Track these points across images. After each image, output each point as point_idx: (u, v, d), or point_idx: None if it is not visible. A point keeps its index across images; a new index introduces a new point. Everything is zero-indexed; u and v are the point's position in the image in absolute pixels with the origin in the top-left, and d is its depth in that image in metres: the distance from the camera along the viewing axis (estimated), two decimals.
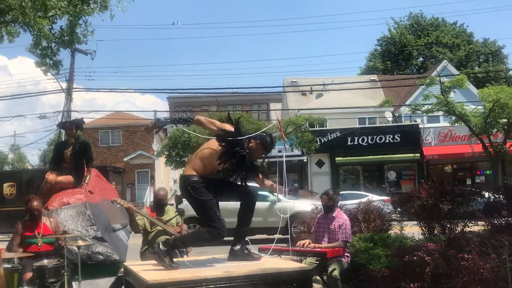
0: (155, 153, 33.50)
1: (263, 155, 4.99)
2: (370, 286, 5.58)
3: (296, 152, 28.87)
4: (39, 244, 6.36)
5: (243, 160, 4.71)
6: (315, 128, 29.04)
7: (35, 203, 6.47)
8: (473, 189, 8.87)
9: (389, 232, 8.31)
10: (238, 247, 4.87)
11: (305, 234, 8.66)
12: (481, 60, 49.88)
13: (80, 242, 6.01)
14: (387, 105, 28.11)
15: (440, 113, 25.93)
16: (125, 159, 36.91)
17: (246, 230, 5.01)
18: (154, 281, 3.95)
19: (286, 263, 5.00)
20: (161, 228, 6.94)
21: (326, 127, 30.70)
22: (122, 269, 6.28)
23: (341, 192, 23.64)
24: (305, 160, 30.04)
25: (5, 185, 22.68)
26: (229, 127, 4.82)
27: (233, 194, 4.97)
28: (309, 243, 6.70)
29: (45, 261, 5.93)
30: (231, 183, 4.92)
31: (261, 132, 5.05)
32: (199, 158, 4.86)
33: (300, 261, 6.60)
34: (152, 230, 7.02)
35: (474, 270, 4.10)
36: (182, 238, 5.20)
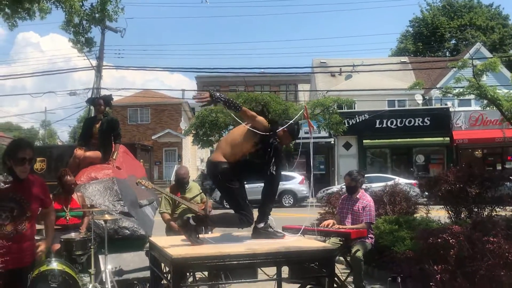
0: (183, 132, 33.74)
1: (287, 142, 5.00)
2: (394, 268, 5.56)
3: (324, 134, 28.75)
4: (67, 217, 6.50)
5: (277, 150, 4.73)
6: (343, 110, 28.84)
7: (69, 177, 6.62)
8: (502, 174, 8.70)
9: (414, 215, 8.25)
10: (261, 225, 4.89)
11: (329, 215, 8.65)
12: None
13: (107, 217, 6.12)
14: (417, 87, 27.62)
15: (472, 96, 25.35)
16: (153, 137, 37.25)
17: (269, 209, 5.02)
18: (178, 256, 3.99)
19: (309, 242, 5.00)
20: (185, 207, 7.02)
21: (354, 109, 30.44)
22: (147, 244, 6.38)
23: (368, 175, 23.62)
24: (332, 142, 29.89)
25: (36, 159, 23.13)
26: (265, 121, 4.82)
27: (258, 175, 4.97)
28: (333, 224, 6.69)
29: (73, 234, 6.07)
30: (256, 164, 4.92)
31: (289, 121, 5.02)
32: (230, 144, 4.86)
33: (324, 241, 6.61)
34: (177, 208, 7.10)
35: (499, 254, 4.05)
36: (213, 217, 5.23)
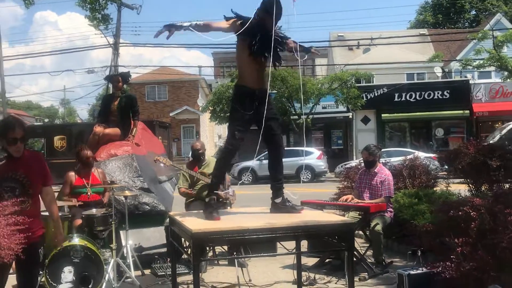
0: (200, 108, 33.80)
1: (273, 20, 4.54)
2: (414, 241, 5.54)
3: (341, 108, 28.59)
4: (88, 193, 6.57)
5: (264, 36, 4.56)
6: (362, 84, 28.60)
7: (88, 152, 6.67)
8: None
9: (434, 189, 8.18)
10: (279, 200, 4.87)
11: (348, 190, 8.63)
12: None
13: (127, 193, 6.18)
14: (436, 60, 27.36)
15: (492, 68, 25.08)
16: (171, 114, 37.38)
17: (280, 183, 4.94)
18: (198, 230, 4.01)
19: (328, 216, 4.99)
20: (204, 182, 7.06)
21: (372, 82, 30.15)
22: (167, 220, 6.44)
23: (387, 149, 23.49)
24: (350, 117, 29.72)
25: (55, 138, 23.40)
26: (223, 22, 4.66)
27: (266, 138, 4.80)
28: (352, 199, 6.67)
29: (94, 210, 6.14)
30: (270, 128, 4.80)
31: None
32: (239, 69, 4.87)
33: (343, 215, 6.60)
34: (196, 184, 7.15)
35: None
36: (214, 172, 5.04)
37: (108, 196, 6.70)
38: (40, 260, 4.05)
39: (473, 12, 49.27)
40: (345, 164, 23.58)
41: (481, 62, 22.72)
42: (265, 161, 5.63)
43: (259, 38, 4.55)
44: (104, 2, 12.24)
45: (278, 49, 4.71)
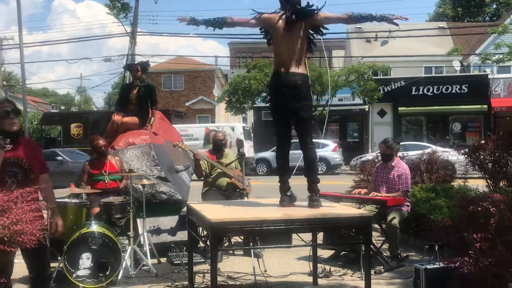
0: (216, 98, 33.82)
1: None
2: (431, 236, 5.51)
3: (358, 100, 28.41)
4: (106, 181, 6.64)
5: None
6: (379, 77, 28.39)
7: (100, 141, 6.73)
8: None
9: (452, 184, 8.13)
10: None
11: (364, 183, 8.60)
12: None
13: (145, 181, 6.22)
14: (455, 53, 27.08)
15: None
16: (186, 104, 37.47)
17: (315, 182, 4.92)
18: (217, 220, 4.04)
19: (345, 209, 5.00)
20: (220, 171, 7.09)
21: (390, 75, 29.91)
22: (184, 209, 6.48)
23: (403, 143, 23.34)
24: (366, 109, 29.55)
25: (72, 125, 23.64)
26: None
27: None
28: (365, 193, 6.65)
29: (112, 198, 6.20)
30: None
31: None
32: (303, 54, 4.74)
33: (359, 208, 6.59)
34: (213, 173, 7.18)
35: None
36: (312, 174, 4.92)
37: (125, 183, 6.75)
38: (47, 246, 4.02)
39: (494, 5, 48.58)
40: (360, 157, 23.51)
41: (501, 56, 22.45)
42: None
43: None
44: None
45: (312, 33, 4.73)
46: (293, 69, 4.63)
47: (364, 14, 4.56)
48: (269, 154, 23.06)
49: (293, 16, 4.59)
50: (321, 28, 4.81)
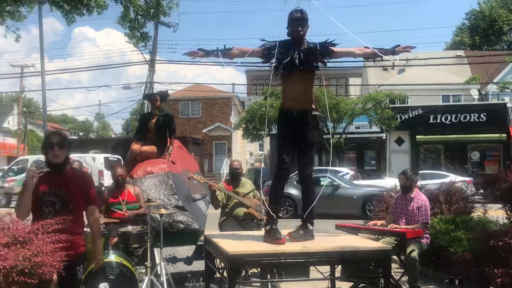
0: (233, 125, 33.99)
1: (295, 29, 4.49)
2: (451, 270, 5.43)
3: (375, 129, 28.34)
4: (123, 210, 6.66)
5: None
6: (396, 105, 28.35)
7: (119, 170, 6.79)
8: None
9: (471, 215, 8.03)
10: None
11: (383, 213, 8.53)
12: None
13: (163, 211, 6.23)
14: (473, 82, 27.00)
15: None
16: (203, 131, 37.69)
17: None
18: (235, 252, 4.03)
19: (364, 242, 4.95)
20: (237, 201, 7.08)
21: (407, 104, 29.86)
22: (202, 238, 6.47)
23: (421, 172, 23.07)
24: (384, 138, 29.43)
25: (90, 151, 23.88)
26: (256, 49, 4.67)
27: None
28: (381, 224, 6.59)
29: (130, 227, 6.22)
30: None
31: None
32: (310, 91, 4.62)
33: (377, 239, 6.52)
34: (230, 203, 7.17)
35: None
36: (308, 204, 4.71)
37: (143, 210, 6.74)
38: (80, 278, 4.06)
39: None
40: None
41: None
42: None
43: (280, 54, 4.47)
44: (143, 21, 12.44)
45: (315, 62, 4.54)
46: (302, 107, 4.54)
47: (376, 50, 4.50)
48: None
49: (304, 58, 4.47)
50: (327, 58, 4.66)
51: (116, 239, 6.14)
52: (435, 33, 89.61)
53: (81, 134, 64.43)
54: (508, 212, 8.14)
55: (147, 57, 26.30)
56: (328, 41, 4.59)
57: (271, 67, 4.60)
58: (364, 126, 28.61)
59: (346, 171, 24.69)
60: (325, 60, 4.60)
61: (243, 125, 28.42)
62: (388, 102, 26.63)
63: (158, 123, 8.01)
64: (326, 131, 26.46)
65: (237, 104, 41.73)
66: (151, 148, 7.94)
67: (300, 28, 4.48)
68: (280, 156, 4.62)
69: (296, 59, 4.42)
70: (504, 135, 27.68)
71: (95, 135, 64.81)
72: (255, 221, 6.88)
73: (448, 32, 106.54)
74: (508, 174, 7.75)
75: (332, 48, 4.55)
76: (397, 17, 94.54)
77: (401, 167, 8.01)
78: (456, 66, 33.79)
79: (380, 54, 4.56)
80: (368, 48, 4.57)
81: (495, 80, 29.31)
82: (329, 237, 4.99)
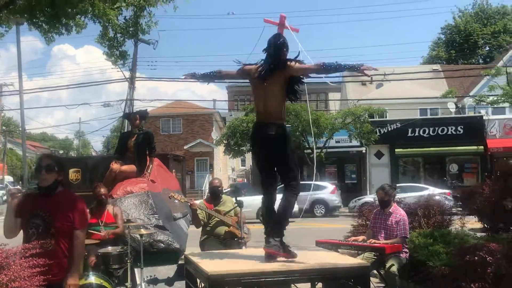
0: (214, 141, 34.00)
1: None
2: (430, 284, 5.50)
3: (355, 143, 28.60)
4: (102, 232, 6.60)
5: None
6: (375, 119, 28.67)
7: (102, 190, 6.76)
8: None
9: (450, 228, 8.13)
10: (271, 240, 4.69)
11: (362, 228, 8.60)
12: None
13: (143, 231, 6.21)
14: (450, 95, 27.43)
15: (506, 104, 25.05)
16: (185, 147, 37.60)
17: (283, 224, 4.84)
18: (214, 273, 4.05)
19: (343, 259, 5.00)
20: (218, 219, 7.08)
21: (386, 118, 30.21)
22: (183, 257, 6.45)
23: (400, 185, 23.31)
24: (363, 151, 29.70)
25: (70, 170, 23.59)
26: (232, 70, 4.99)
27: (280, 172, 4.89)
28: (362, 240, 6.66)
29: (110, 248, 6.17)
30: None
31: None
32: (280, 105, 4.78)
33: (358, 254, 6.58)
34: (211, 221, 7.17)
35: None
36: (280, 216, 4.79)
37: (122, 230, 6.66)
38: None
39: (487, 48, 49.48)
40: (359, 199, 23.51)
41: (495, 98, 22.73)
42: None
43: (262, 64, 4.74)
44: (122, 39, 12.42)
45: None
46: (272, 120, 4.71)
47: (334, 64, 4.58)
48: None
49: (268, 68, 4.69)
50: (300, 79, 4.86)
51: (95, 260, 6.09)
52: (412, 48, 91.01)
53: (61, 152, 63.78)
54: (485, 225, 8.29)
55: (127, 74, 26.28)
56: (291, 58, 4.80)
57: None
58: (344, 140, 28.86)
59: (328, 185, 24.89)
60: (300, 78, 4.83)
61: (224, 141, 28.47)
62: (367, 116, 26.93)
63: (137, 142, 8.00)
64: (307, 146, 26.68)
65: (218, 120, 41.77)
66: (130, 168, 7.92)
67: (285, 51, 4.74)
68: (260, 172, 4.82)
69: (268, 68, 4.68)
70: (481, 147, 28.13)
71: (76, 153, 64.26)
72: (236, 239, 6.89)
73: (425, 46, 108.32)
74: (484, 188, 7.91)
75: (290, 64, 4.70)
76: (376, 32, 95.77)
77: (381, 180, 8.11)
78: (432, 80, 34.31)
79: (338, 68, 4.68)
80: (324, 63, 4.66)
81: (471, 93, 29.79)
82: (309, 254, 5.03)
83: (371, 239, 6.59)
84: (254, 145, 4.98)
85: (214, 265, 4.40)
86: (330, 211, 23.83)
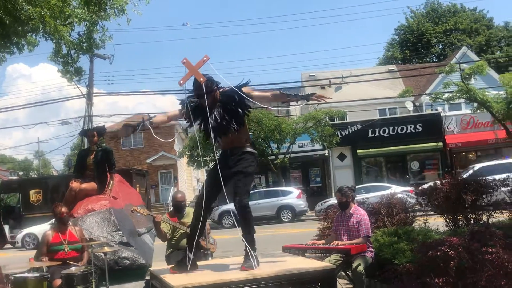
0: (177, 153, 33.74)
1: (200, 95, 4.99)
2: (396, 282, 5.56)
3: (317, 146, 28.84)
4: (66, 250, 6.47)
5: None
6: (336, 122, 28.99)
7: (62, 208, 6.62)
8: (498, 179, 8.69)
9: (413, 225, 8.25)
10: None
11: (328, 230, 8.64)
12: (502, 44, 49.10)
13: (107, 249, 6.10)
14: (407, 95, 27.91)
15: (462, 100, 25.66)
16: (147, 161, 37.21)
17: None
18: (180, 286, 4.00)
19: (310, 263, 5.01)
20: (183, 231, 7.02)
21: (346, 120, 30.58)
22: (148, 272, 6.36)
23: (365, 185, 23.63)
24: (326, 154, 29.98)
25: (31, 192, 23.11)
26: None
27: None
28: (322, 243, 6.71)
29: (73, 268, 6.04)
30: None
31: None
32: (242, 133, 4.97)
33: (325, 257, 6.60)
34: (176, 234, 7.10)
35: (498, 264, 4.06)
36: (246, 233, 5.02)
37: (87, 256, 6.59)
38: None
39: (440, 46, 50.71)
40: (324, 202, 23.67)
41: (451, 95, 23.24)
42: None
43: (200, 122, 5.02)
44: (76, 55, 12.23)
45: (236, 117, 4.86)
46: (234, 145, 4.94)
47: (290, 93, 4.84)
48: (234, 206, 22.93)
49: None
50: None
51: (59, 281, 5.95)
52: (368, 50, 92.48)
53: (21, 173, 62.31)
54: (447, 220, 8.44)
55: (84, 90, 25.87)
56: (241, 83, 4.94)
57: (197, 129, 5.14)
58: (307, 144, 29.09)
59: (293, 190, 25.00)
60: (247, 103, 4.91)
61: (187, 153, 28.27)
62: (327, 119, 27.20)
63: (96, 159, 7.88)
64: (270, 152, 26.76)
65: (180, 131, 41.51)
66: (90, 185, 7.79)
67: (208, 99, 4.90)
68: (205, 190, 4.91)
69: (213, 125, 4.87)
70: (440, 143, 28.77)
71: (36, 174, 62.83)
72: (202, 251, 6.83)
73: (380, 48, 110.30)
74: (444, 184, 8.06)
75: (251, 92, 4.89)
76: (331, 36, 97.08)
77: (345, 182, 8.21)
78: (389, 80, 34.92)
79: (293, 98, 4.88)
80: (282, 92, 4.91)
81: (427, 92, 30.41)
82: (275, 261, 5.03)
83: (334, 241, 6.63)
84: (215, 167, 4.96)
85: (180, 278, 4.35)
86: (297, 215, 23.93)
